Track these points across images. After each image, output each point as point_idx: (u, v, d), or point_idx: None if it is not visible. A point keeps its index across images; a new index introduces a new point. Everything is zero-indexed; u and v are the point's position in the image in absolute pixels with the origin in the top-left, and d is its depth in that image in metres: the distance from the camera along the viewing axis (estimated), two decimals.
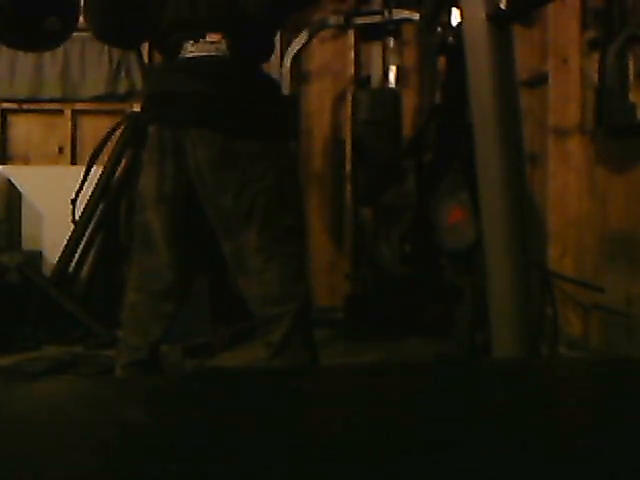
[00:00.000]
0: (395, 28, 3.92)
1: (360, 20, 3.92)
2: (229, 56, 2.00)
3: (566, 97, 3.08)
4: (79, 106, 4.30)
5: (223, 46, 2.00)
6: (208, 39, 2.00)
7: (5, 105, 4.34)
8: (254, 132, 2.00)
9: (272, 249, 1.98)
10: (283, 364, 1.96)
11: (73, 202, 3.47)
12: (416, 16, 3.58)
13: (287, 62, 3.94)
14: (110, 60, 4.23)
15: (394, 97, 3.83)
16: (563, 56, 3.11)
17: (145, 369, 2.07)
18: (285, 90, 3.91)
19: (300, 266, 2.06)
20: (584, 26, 3.01)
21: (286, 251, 2.01)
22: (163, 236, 2.05)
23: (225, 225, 2.02)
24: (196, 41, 2.01)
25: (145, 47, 4.04)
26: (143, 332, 2.08)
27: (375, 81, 4.00)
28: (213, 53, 1.99)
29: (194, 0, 2.03)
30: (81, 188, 3.49)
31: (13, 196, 3.97)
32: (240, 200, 1.97)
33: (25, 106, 4.33)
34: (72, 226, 3.50)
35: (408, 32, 4.02)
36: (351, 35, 4.20)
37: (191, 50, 2.01)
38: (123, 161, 3.60)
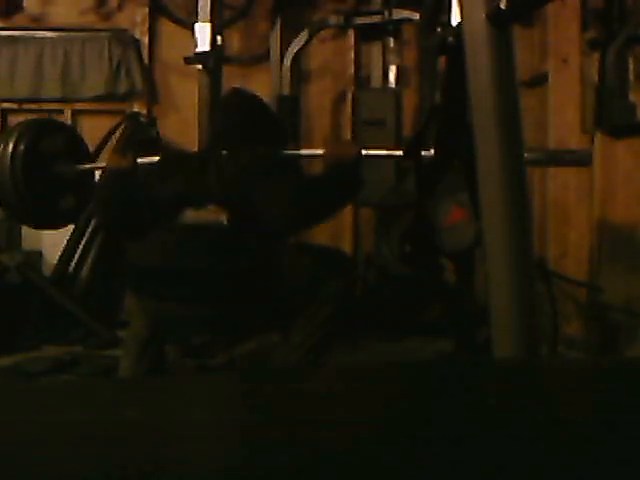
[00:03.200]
0: (395, 28, 3.92)
1: (360, 20, 3.92)
2: (226, 226, 1.98)
3: (566, 97, 3.08)
4: (79, 106, 4.29)
5: (222, 216, 2.00)
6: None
7: (5, 105, 4.33)
8: (243, 307, 2.03)
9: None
10: (294, 351, 2.03)
11: None
12: (416, 16, 3.57)
13: (287, 62, 3.94)
14: (110, 60, 4.23)
15: (394, 97, 3.83)
16: (563, 56, 3.11)
17: (151, 359, 2.12)
18: (285, 90, 3.92)
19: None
20: (584, 26, 3.01)
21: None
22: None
23: None
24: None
25: (145, 47, 4.06)
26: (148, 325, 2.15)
27: (375, 81, 4.00)
28: (210, 221, 2.00)
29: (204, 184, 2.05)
30: None
31: None
32: None
33: (25, 106, 4.32)
34: (72, 226, 3.49)
35: (408, 32, 4.02)
36: (351, 35, 4.20)
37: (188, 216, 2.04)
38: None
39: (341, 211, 2.58)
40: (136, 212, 2.12)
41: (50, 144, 2.67)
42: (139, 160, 2.26)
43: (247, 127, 2.14)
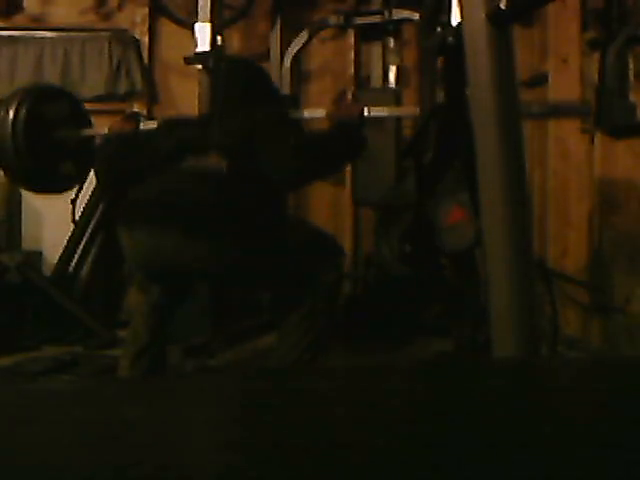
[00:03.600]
0: (395, 28, 3.92)
1: (360, 20, 3.91)
2: (226, 171, 1.99)
3: (566, 97, 3.08)
4: None
5: (222, 163, 2.00)
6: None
7: None
8: (238, 244, 2.00)
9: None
10: (291, 352, 2.02)
11: (73, 202, 3.46)
12: (416, 16, 3.58)
13: (287, 62, 3.94)
14: (110, 60, 4.23)
15: (394, 97, 3.83)
16: (563, 56, 3.11)
17: (151, 361, 2.12)
18: (285, 90, 3.91)
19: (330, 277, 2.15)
20: (584, 26, 3.01)
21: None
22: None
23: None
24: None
25: (145, 47, 4.06)
26: (148, 324, 2.15)
27: (375, 81, 4.01)
28: (211, 166, 2.00)
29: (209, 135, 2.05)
30: (81, 188, 3.49)
31: (13, 196, 3.97)
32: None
33: None
34: (72, 226, 3.49)
35: (408, 32, 4.02)
36: (351, 35, 4.20)
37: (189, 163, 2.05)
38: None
39: (342, 169, 2.55)
40: (137, 166, 2.13)
41: (51, 109, 2.69)
42: (141, 126, 2.30)
43: (248, 90, 2.16)
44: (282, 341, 2.12)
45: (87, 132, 2.78)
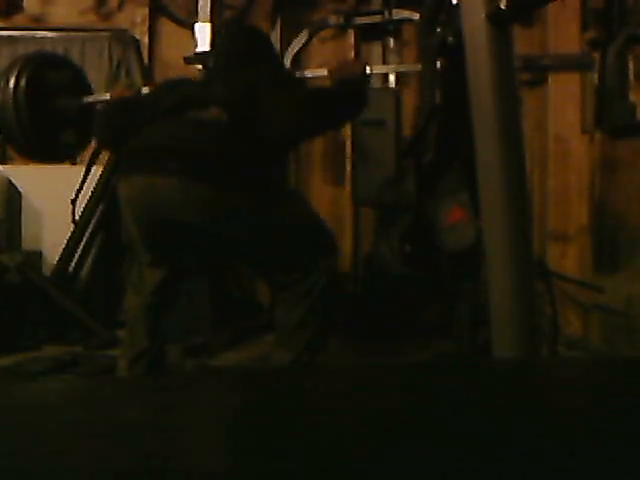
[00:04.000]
0: (395, 28, 3.92)
1: (360, 20, 3.91)
2: (226, 123, 1.99)
3: (566, 97, 3.08)
4: None
5: (223, 117, 2.00)
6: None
7: None
8: (244, 185, 1.98)
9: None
10: (290, 353, 2.01)
11: (73, 202, 3.46)
12: (416, 16, 3.58)
13: (287, 62, 3.94)
14: (110, 60, 4.23)
15: (394, 97, 3.83)
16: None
17: (150, 363, 2.11)
18: None
19: (328, 267, 2.11)
20: (584, 26, 3.01)
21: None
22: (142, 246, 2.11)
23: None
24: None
25: (145, 47, 4.05)
26: (146, 327, 2.13)
27: (375, 81, 4.00)
28: (211, 118, 2.00)
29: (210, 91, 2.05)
30: (81, 188, 3.49)
31: (13, 196, 3.96)
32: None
33: None
34: (72, 226, 3.49)
35: (408, 32, 4.02)
36: (351, 35, 4.19)
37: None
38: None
39: (343, 126, 2.52)
40: (137, 122, 2.13)
41: (52, 77, 2.69)
42: (143, 90, 2.31)
43: (251, 49, 2.17)
44: (280, 341, 2.11)
45: (88, 99, 2.76)
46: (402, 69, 2.68)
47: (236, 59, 2.17)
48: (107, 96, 2.50)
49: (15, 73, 2.60)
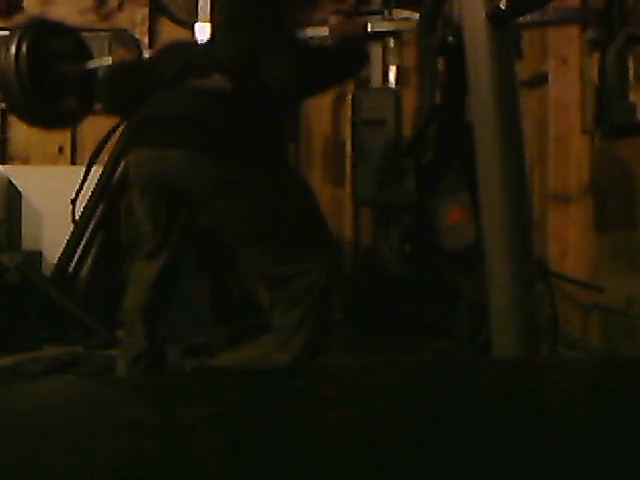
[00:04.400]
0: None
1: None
2: (229, 90, 2.00)
3: (566, 97, 3.08)
4: None
5: (225, 83, 2.00)
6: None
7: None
8: (247, 159, 1.99)
9: (291, 257, 2.00)
10: (289, 356, 1.99)
11: (73, 202, 3.47)
12: (416, 16, 3.57)
13: None
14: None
15: (394, 97, 3.83)
16: (563, 56, 3.11)
17: (149, 364, 2.10)
18: None
19: (324, 266, 2.08)
20: (584, 26, 3.01)
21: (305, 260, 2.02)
22: (158, 244, 2.10)
23: (233, 240, 2.07)
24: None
25: (145, 47, 4.05)
26: (145, 328, 2.12)
27: (375, 81, 4.00)
28: (214, 85, 2.01)
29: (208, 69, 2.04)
30: (81, 188, 3.49)
31: (13, 196, 3.97)
32: (245, 224, 1.99)
33: None
34: (72, 226, 3.49)
35: (408, 32, 4.02)
36: None
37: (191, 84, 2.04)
38: (123, 161, 3.60)
39: (343, 84, 2.53)
40: (139, 87, 2.14)
41: (53, 44, 2.69)
42: (145, 54, 2.31)
43: (249, 13, 2.18)
44: (279, 344, 2.10)
45: (90, 64, 2.77)
46: (400, 26, 2.68)
47: (236, 23, 2.18)
48: (109, 60, 2.51)
49: (16, 40, 2.62)
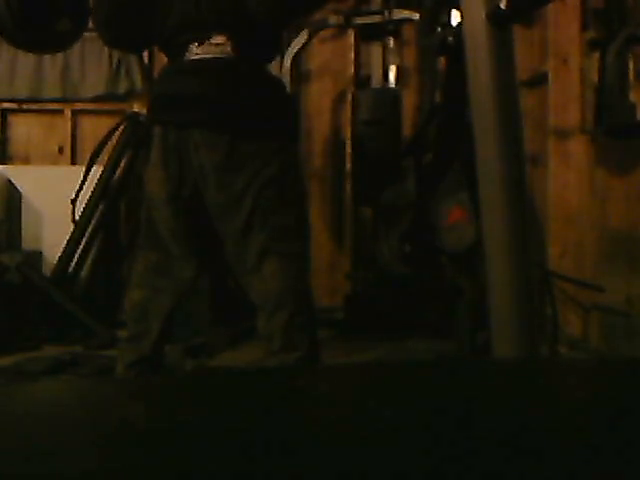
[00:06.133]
0: (395, 28, 3.92)
1: (360, 20, 3.92)
2: (234, 57, 2.01)
3: (566, 97, 3.08)
4: (79, 106, 4.30)
5: (228, 48, 2.01)
6: (213, 41, 2.01)
7: (5, 105, 4.34)
8: (259, 133, 2.00)
9: (273, 248, 1.99)
10: (282, 362, 1.97)
11: (73, 202, 3.47)
12: (416, 16, 3.58)
13: (287, 62, 3.94)
14: (110, 60, 4.23)
15: (394, 97, 3.83)
16: (563, 56, 3.11)
17: (148, 367, 2.08)
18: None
19: (300, 265, 2.06)
20: (584, 26, 3.01)
21: (287, 250, 2.01)
22: (169, 234, 2.07)
23: (227, 225, 2.03)
24: (201, 43, 2.02)
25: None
26: (146, 329, 2.10)
27: (375, 81, 4.01)
28: (218, 55, 2.01)
29: (199, 2, 2.03)
30: (81, 188, 3.50)
31: (13, 196, 3.97)
32: (243, 201, 1.97)
33: (25, 106, 4.33)
34: (72, 226, 3.50)
35: (408, 32, 4.03)
36: (351, 35, 4.20)
37: (196, 52, 2.03)
38: (123, 161, 3.60)
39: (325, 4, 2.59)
40: (137, 24, 2.15)
41: None
42: None
43: None
44: (270, 352, 2.07)
45: None
46: None
47: None
48: None
49: None
